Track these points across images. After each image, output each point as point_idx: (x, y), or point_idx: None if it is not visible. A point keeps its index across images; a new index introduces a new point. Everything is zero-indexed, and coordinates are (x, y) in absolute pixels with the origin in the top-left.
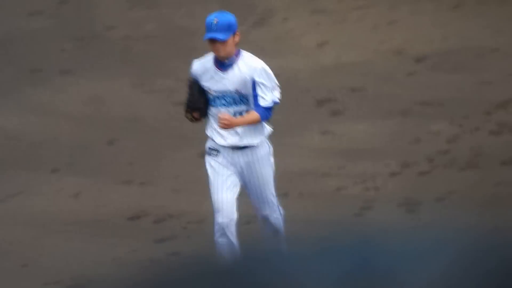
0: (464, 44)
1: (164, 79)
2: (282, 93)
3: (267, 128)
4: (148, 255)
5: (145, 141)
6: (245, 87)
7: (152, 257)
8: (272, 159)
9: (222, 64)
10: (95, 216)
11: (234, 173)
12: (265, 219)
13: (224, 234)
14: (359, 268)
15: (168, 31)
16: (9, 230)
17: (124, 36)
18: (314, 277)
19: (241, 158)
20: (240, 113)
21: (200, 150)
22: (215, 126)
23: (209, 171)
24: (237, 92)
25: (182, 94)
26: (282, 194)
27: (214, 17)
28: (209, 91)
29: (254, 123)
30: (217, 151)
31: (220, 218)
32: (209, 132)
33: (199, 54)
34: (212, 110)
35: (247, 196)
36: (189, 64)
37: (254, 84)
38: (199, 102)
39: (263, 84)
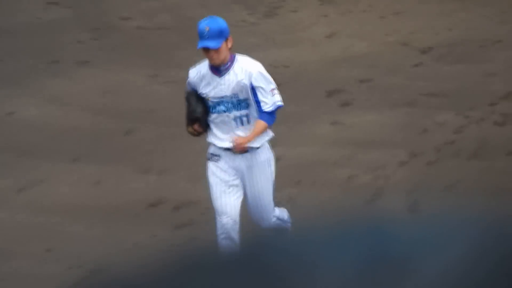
0: (468, 35)
1: (178, 70)
2: (292, 84)
3: (269, 133)
4: (167, 240)
5: (161, 130)
6: (243, 91)
7: (172, 243)
8: (273, 166)
9: (218, 69)
10: (115, 203)
11: (236, 177)
12: (259, 224)
13: (228, 235)
14: (371, 254)
15: (181, 22)
16: (33, 217)
17: (138, 27)
18: (327, 263)
19: (242, 162)
20: (240, 118)
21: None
22: (216, 132)
23: (211, 178)
24: (235, 96)
25: None
26: (295, 182)
27: (206, 25)
28: (207, 98)
29: (263, 131)
30: (218, 156)
31: (225, 219)
32: (210, 138)
33: None
34: (213, 117)
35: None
36: (201, 54)
37: (253, 89)
38: (197, 112)
39: (262, 88)
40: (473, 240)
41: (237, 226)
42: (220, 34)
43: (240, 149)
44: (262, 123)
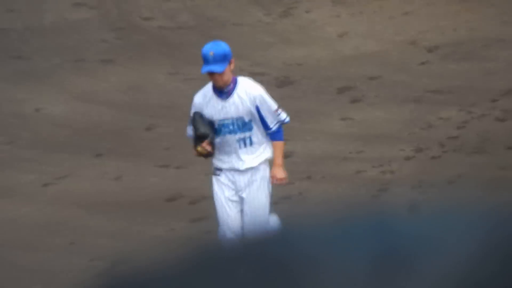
0: (472, 35)
1: (198, 68)
2: (305, 82)
3: (268, 153)
4: (184, 233)
5: (180, 127)
6: (248, 114)
7: (188, 236)
8: (270, 188)
9: (221, 92)
10: (136, 197)
11: (235, 192)
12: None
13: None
14: (378, 249)
15: (200, 22)
16: (57, 211)
17: (160, 26)
18: (335, 258)
19: (241, 177)
20: (244, 139)
21: None
22: (219, 154)
23: (214, 194)
24: (240, 119)
25: None
26: (305, 177)
27: (210, 50)
28: (212, 120)
29: (283, 148)
30: (221, 170)
31: (227, 232)
32: (214, 160)
33: (230, 44)
34: (217, 140)
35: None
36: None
37: (259, 111)
38: (206, 129)
39: (267, 109)
40: (478, 235)
41: (237, 239)
42: (224, 58)
43: (282, 183)
44: (279, 144)
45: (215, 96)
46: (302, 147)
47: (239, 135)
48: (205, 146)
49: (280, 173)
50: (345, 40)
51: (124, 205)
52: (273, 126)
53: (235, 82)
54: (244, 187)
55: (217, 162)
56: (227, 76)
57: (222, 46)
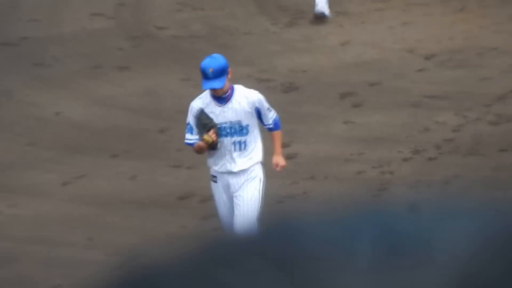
0: (467, 44)
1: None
2: (309, 87)
3: (259, 156)
4: (195, 230)
5: None
6: (247, 117)
7: (199, 233)
8: (262, 185)
9: (220, 98)
10: (149, 196)
11: (230, 194)
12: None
13: None
14: (381, 242)
15: (211, 31)
16: (75, 208)
17: (173, 35)
18: (338, 252)
19: (234, 179)
20: (239, 142)
21: None
22: (213, 156)
23: (215, 198)
24: (238, 122)
25: None
26: (309, 177)
27: (209, 67)
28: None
29: (281, 137)
30: (216, 177)
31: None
32: (209, 162)
33: (239, 51)
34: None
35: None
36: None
37: (258, 112)
38: (211, 120)
39: (263, 109)
40: (476, 228)
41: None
42: (223, 72)
43: (282, 167)
44: (278, 134)
45: (213, 101)
46: (306, 148)
47: (235, 138)
48: (211, 134)
49: (282, 161)
50: (347, 48)
51: (139, 203)
52: (270, 120)
53: (232, 88)
54: (237, 189)
55: (212, 165)
56: (226, 87)
57: (219, 61)
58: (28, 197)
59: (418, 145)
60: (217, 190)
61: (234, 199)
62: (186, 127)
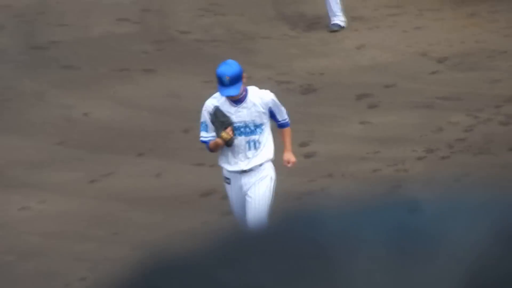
0: (478, 47)
1: None
2: (326, 89)
3: (270, 154)
4: (217, 226)
5: None
6: (260, 117)
7: (220, 228)
8: (273, 184)
9: (235, 99)
10: (173, 193)
11: (243, 194)
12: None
13: None
14: (402, 230)
15: (232, 35)
16: (102, 205)
17: (196, 39)
18: (360, 237)
19: (246, 179)
20: (254, 142)
21: None
22: (227, 154)
23: (230, 199)
24: (252, 122)
25: None
26: (327, 174)
27: (225, 75)
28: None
29: (290, 134)
30: (229, 179)
31: None
32: (221, 162)
33: (259, 55)
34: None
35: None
36: (249, 63)
37: (271, 111)
38: (228, 118)
39: (277, 108)
40: (489, 223)
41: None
42: (238, 79)
43: (293, 163)
44: (287, 130)
45: (228, 102)
46: (324, 147)
47: (249, 137)
48: (229, 131)
49: (293, 157)
50: (362, 52)
51: (163, 200)
52: (281, 117)
53: (246, 90)
54: (249, 185)
55: (225, 164)
56: (241, 90)
57: (234, 68)
58: (56, 194)
59: (431, 144)
60: (231, 191)
61: (246, 197)
62: (201, 126)
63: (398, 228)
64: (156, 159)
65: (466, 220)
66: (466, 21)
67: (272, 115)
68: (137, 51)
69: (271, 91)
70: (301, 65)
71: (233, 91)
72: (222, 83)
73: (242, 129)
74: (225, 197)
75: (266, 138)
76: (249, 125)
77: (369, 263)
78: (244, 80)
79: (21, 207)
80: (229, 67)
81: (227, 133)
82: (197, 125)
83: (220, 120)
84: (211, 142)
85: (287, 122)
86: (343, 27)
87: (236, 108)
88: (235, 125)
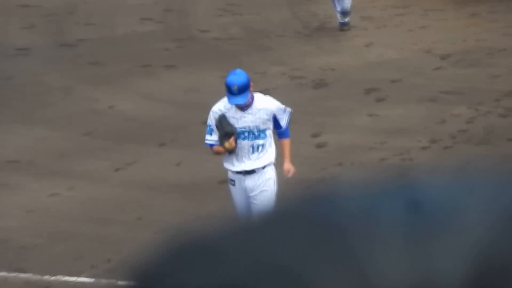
0: (478, 45)
1: (246, 72)
2: (337, 84)
3: (272, 157)
4: (234, 210)
5: None
6: (264, 123)
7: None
8: (276, 186)
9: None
10: (193, 180)
11: (247, 195)
12: None
13: None
14: (415, 208)
15: (248, 34)
16: (126, 191)
17: (214, 37)
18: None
19: (250, 181)
20: (257, 146)
21: None
22: (232, 157)
23: (234, 199)
24: (257, 127)
25: (261, 84)
26: (337, 163)
27: (234, 85)
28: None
29: (290, 145)
30: (234, 180)
31: None
32: (225, 164)
33: (274, 52)
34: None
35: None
36: (264, 59)
37: (275, 117)
38: (232, 127)
39: (280, 114)
40: (496, 200)
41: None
42: (246, 88)
43: (293, 173)
44: (287, 141)
45: (234, 107)
46: (335, 138)
47: (253, 142)
48: (232, 142)
49: (292, 167)
50: (370, 49)
51: (183, 187)
52: (284, 124)
53: (252, 97)
54: (253, 188)
55: (229, 166)
56: (248, 99)
57: (242, 78)
58: (84, 181)
59: (435, 135)
60: (235, 192)
61: (252, 200)
62: (206, 128)
63: (412, 207)
64: (176, 149)
65: (479, 201)
66: (467, 21)
67: (275, 121)
68: (159, 49)
69: (285, 85)
70: (313, 61)
71: (240, 100)
72: (231, 91)
73: (246, 134)
74: None
75: (269, 143)
76: (253, 130)
77: (386, 241)
78: (251, 89)
79: (51, 193)
80: (238, 77)
81: (230, 144)
82: None
83: (224, 129)
84: (214, 147)
85: (287, 130)
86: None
87: (242, 113)
88: (240, 130)
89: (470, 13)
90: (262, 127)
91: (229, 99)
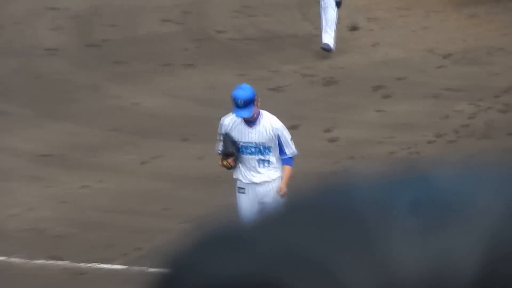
0: (478, 44)
1: (260, 70)
2: (346, 81)
3: (279, 172)
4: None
5: None
6: (269, 140)
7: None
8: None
9: (248, 121)
10: (214, 173)
11: (258, 201)
12: None
13: None
14: (428, 199)
15: (263, 35)
16: (152, 184)
17: (230, 38)
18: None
19: (260, 190)
20: (263, 161)
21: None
22: (241, 169)
23: (238, 204)
24: (262, 144)
25: (275, 82)
26: (348, 157)
27: (239, 99)
28: (238, 142)
29: (291, 173)
30: (244, 189)
31: None
32: (236, 174)
33: (286, 51)
34: (241, 157)
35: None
36: (277, 59)
37: (279, 140)
38: (232, 148)
39: (285, 139)
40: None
41: None
42: (251, 102)
43: (284, 193)
44: (288, 168)
45: (243, 122)
46: (345, 133)
47: (259, 157)
48: (230, 162)
49: (285, 188)
50: (377, 48)
51: (205, 179)
52: (289, 152)
53: (259, 113)
54: (262, 196)
55: (239, 176)
56: (254, 113)
57: (248, 93)
58: (112, 174)
59: (439, 129)
60: (244, 200)
61: (260, 205)
62: (217, 137)
63: (426, 196)
64: (198, 143)
65: (487, 191)
66: (467, 22)
67: (280, 146)
68: (179, 48)
69: (297, 83)
70: (323, 60)
71: (245, 113)
72: (237, 105)
73: (252, 149)
74: None
75: (277, 159)
76: (259, 146)
77: (403, 230)
78: (257, 103)
79: (81, 185)
80: (244, 92)
81: (228, 163)
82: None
83: (224, 150)
84: (218, 159)
85: (291, 159)
86: (332, 50)
87: (249, 129)
88: (246, 144)
89: (469, 14)
90: (267, 144)
91: (235, 112)
